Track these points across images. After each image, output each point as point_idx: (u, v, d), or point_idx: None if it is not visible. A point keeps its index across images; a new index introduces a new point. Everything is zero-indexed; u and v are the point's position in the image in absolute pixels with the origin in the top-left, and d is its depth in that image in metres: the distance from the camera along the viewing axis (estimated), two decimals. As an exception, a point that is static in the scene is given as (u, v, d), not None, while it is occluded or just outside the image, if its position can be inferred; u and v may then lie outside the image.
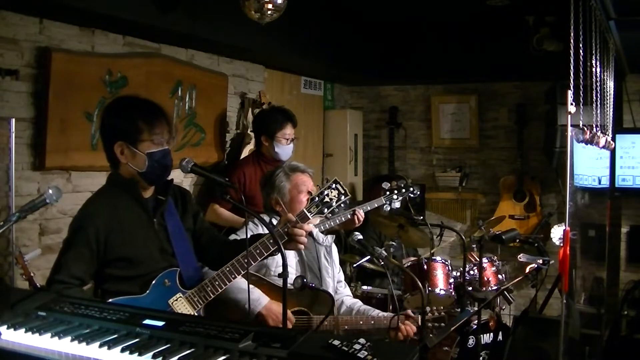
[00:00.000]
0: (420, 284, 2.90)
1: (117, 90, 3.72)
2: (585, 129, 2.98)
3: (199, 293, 2.36)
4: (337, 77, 6.39)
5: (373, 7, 5.14)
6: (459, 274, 4.18)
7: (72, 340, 1.64)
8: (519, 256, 3.80)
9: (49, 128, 3.39)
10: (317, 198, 2.44)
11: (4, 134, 3.19)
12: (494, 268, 4.27)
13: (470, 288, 4.05)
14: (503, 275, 4.33)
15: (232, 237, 2.92)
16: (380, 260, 2.95)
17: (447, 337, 3.39)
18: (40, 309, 1.81)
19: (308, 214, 2.42)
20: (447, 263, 4.13)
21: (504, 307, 4.25)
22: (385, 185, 3.82)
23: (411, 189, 3.80)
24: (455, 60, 5.75)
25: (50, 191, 2.22)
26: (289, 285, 2.24)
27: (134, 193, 2.36)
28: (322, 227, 3.52)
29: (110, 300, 2.23)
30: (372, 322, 2.95)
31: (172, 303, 2.31)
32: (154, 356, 1.52)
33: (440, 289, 4.00)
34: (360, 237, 2.90)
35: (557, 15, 4.90)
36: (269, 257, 2.45)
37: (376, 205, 3.82)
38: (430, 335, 2.18)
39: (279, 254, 2.23)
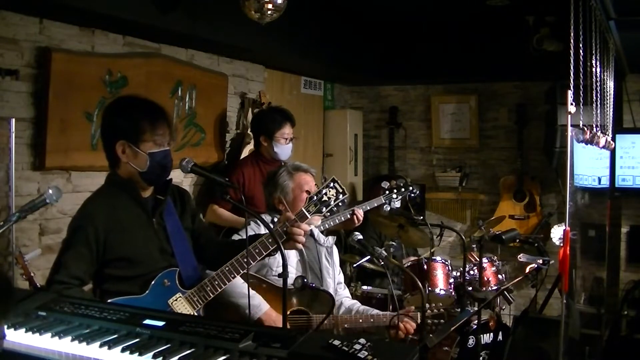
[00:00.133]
0: (420, 284, 2.90)
1: (117, 90, 3.71)
2: (585, 129, 2.97)
3: (199, 293, 2.36)
4: (337, 77, 6.38)
5: (373, 7, 5.13)
6: (459, 274, 4.18)
7: (73, 340, 1.64)
8: (519, 256, 3.80)
9: (49, 128, 3.39)
10: (315, 197, 2.44)
11: (4, 134, 3.19)
12: (494, 268, 4.28)
13: (470, 288, 4.04)
14: (503, 275, 4.33)
15: (235, 237, 2.93)
16: (380, 260, 2.95)
17: (447, 337, 3.38)
18: (40, 309, 1.81)
19: (307, 213, 2.42)
20: (447, 263, 4.14)
21: (504, 307, 4.24)
22: (385, 184, 3.82)
23: (410, 188, 3.80)
24: (455, 60, 5.75)
25: (50, 191, 2.22)
26: (289, 285, 2.23)
27: (133, 193, 2.36)
28: (321, 227, 3.51)
29: (109, 300, 2.23)
30: (372, 320, 2.95)
31: (171, 303, 2.31)
32: (154, 356, 1.52)
33: (440, 289, 4.01)
34: (360, 237, 2.90)
35: (557, 15, 4.89)
36: (269, 256, 2.44)
37: (375, 205, 3.81)
38: (430, 335, 2.17)
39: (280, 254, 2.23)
